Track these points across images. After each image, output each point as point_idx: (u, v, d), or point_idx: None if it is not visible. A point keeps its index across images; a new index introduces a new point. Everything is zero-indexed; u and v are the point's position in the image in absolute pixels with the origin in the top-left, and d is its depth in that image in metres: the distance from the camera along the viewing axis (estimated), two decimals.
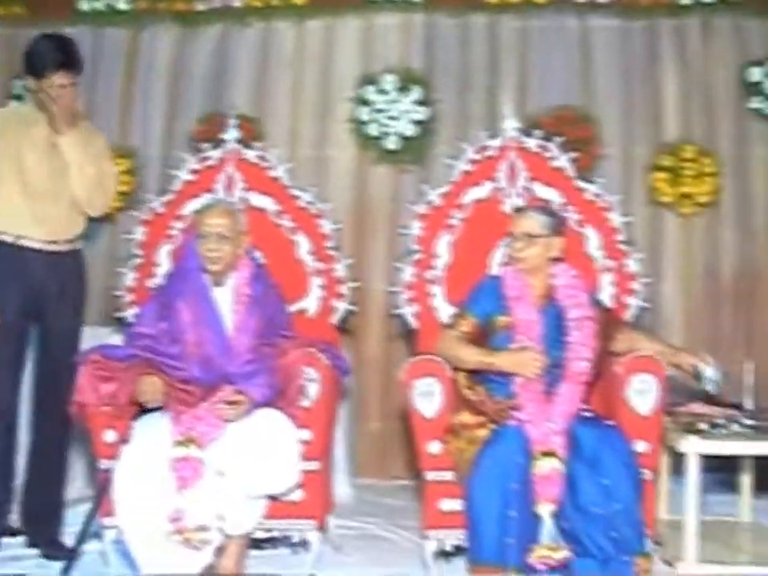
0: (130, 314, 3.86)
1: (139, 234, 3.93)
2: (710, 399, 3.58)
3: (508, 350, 3.23)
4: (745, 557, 3.42)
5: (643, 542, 3.03)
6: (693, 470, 3.29)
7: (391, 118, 5.09)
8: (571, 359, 3.23)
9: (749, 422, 3.44)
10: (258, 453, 3.14)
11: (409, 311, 3.84)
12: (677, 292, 5.03)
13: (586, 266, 3.74)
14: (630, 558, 2.96)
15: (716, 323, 5.04)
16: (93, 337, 3.68)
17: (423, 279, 3.83)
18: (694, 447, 3.30)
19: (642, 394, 3.24)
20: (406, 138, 5.10)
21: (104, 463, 3.30)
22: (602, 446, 3.06)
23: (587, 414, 3.23)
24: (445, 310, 3.77)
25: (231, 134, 3.98)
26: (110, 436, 3.31)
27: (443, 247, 3.84)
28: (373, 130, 5.11)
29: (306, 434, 3.32)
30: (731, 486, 4.07)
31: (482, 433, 3.18)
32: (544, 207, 3.53)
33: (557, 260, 3.39)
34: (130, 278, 3.91)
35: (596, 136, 5.07)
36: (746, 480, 3.86)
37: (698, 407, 3.70)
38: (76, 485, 4.01)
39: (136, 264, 3.92)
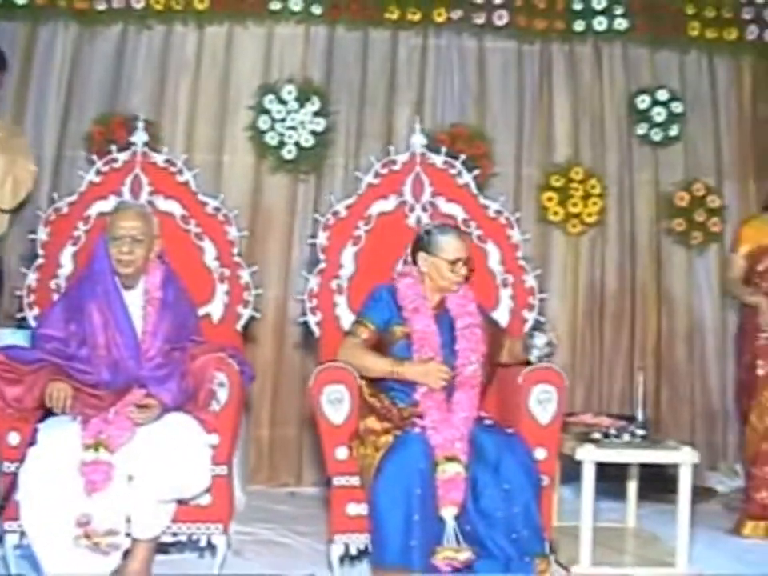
0: (31, 314, 3.87)
1: (43, 234, 3.93)
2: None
3: (414, 361, 3.40)
4: (632, 559, 3.68)
5: (542, 544, 3.23)
6: (588, 478, 3.53)
7: (290, 128, 5.20)
8: (461, 365, 3.43)
9: (640, 431, 3.70)
10: (170, 457, 3.19)
11: (312, 320, 3.95)
12: (563, 307, 5.32)
13: (486, 280, 3.95)
14: (531, 559, 3.15)
15: (599, 338, 5.36)
16: None
17: (328, 289, 3.96)
18: (590, 455, 3.54)
19: (543, 403, 3.45)
20: (303, 148, 5.21)
21: (7, 466, 3.31)
22: (503, 452, 3.25)
23: (488, 422, 3.42)
24: (348, 320, 3.90)
25: (139, 137, 4.03)
26: (13, 438, 3.33)
27: (348, 258, 3.98)
28: (271, 139, 5.21)
29: (214, 439, 3.40)
30: (611, 494, 4.35)
31: (387, 439, 3.32)
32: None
33: None
34: (32, 278, 3.92)
35: (489, 154, 5.30)
36: (632, 487, 4.13)
37: (589, 418, 3.95)
38: None
39: (38, 264, 3.92)
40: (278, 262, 5.21)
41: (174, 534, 3.39)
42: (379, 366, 3.44)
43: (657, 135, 5.40)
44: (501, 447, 3.26)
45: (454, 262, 3.52)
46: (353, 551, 3.43)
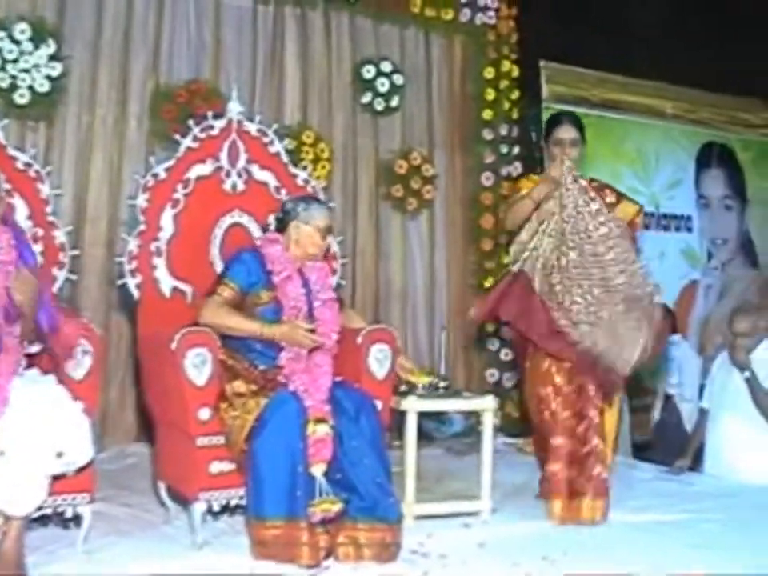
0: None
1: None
2: None
3: (282, 323, 3.91)
4: (441, 495, 4.47)
5: (392, 487, 3.91)
6: (412, 425, 4.25)
7: (23, 70, 5.24)
8: (324, 334, 3.99)
9: (443, 383, 4.50)
10: (52, 429, 3.34)
11: (132, 282, 4.23)
12: None
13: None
14: (395, 500, 3.82)
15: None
16: None
17: (147, 251, 4.25)
18: (413, 406, 4.27)
19: (380, 361, 4.14)
20: (37, 93, 5.29)
21: None
22: (360, 406, 3.88)
23: (338, 379, 4.01)
24: (167, 282, 4.26)
25: None
26: None
27: (167, 220, 4.30)
28: (1, 80, 5.21)
29: (80, 406, 3.62)
30: None
31: (258, 401, 3.77)
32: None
33: None
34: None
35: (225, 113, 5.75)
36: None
37: None
38: None
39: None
40: None
41: (40, 508, 3.49)
42: (246, 326, 3.92)
43: (379, 105, 6.22)
44: (358, 402, 3.88)
45: (324, 230, 4.09)
46: (216, 508, 3.85)
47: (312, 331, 3.91)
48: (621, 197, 4.71)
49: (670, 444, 6.18)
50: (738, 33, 7.37)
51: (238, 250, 4.13)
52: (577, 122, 4.62)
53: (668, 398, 6.72)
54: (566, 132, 4.55)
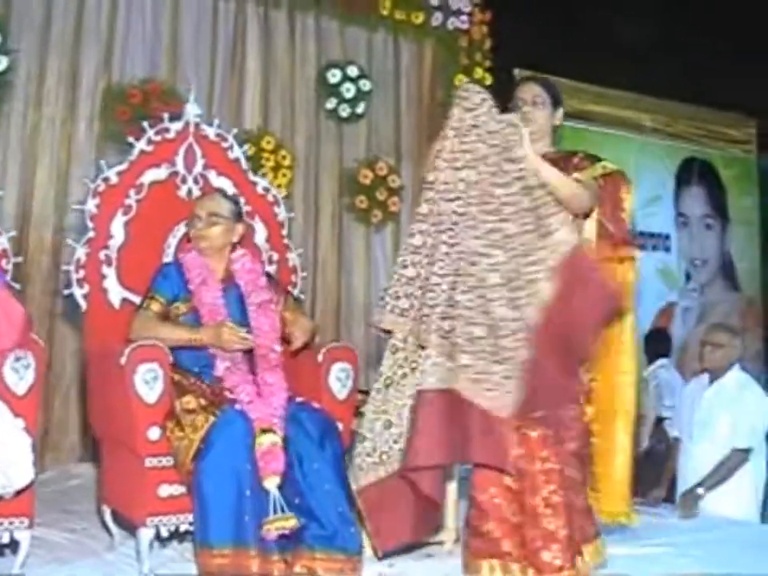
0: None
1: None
2: None
3: (206, 325, 3.93)
4: None
5: (354, 516, 3.92)
6: None
7: None
8: (263, 345, 4.01)
9: None
10: None
11: (79, 292, 4.21)
12: None
13: (253, 255, 4.50)
14: (356, 529, 3.83)
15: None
16: None
17: (96, 259, 4.24)
18: None
19: (341, 380, 4.16)
20: None
21: None
22: (325, 430, 3.89)
23: (299, 399, 4.02)
24: (117, 293, 4.25)
25: None
26: None
27: (118, 227, 4.30)
28: None
29: (21, 423, 3.61)
30: None
31: (207, 418, 3.77)
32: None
33: (235, 245, 4.18)
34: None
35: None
36: None
37: None
38: None
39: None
40: None
41: None
42: (176, 334, 3.93)
43: (344, 111, 6.26)
44: (321, 424, 3.88)
45: (199, 216, 4.08)
46: (164, 533, 3.83)
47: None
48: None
49: (660, 472, 6.22)
50: (718, 44, 7.47)
51: (161, 263, 4.18)
52: (541, 81, 4.03)
53: (660, 421, 6.76)
54: (526, 91, 3.93)
